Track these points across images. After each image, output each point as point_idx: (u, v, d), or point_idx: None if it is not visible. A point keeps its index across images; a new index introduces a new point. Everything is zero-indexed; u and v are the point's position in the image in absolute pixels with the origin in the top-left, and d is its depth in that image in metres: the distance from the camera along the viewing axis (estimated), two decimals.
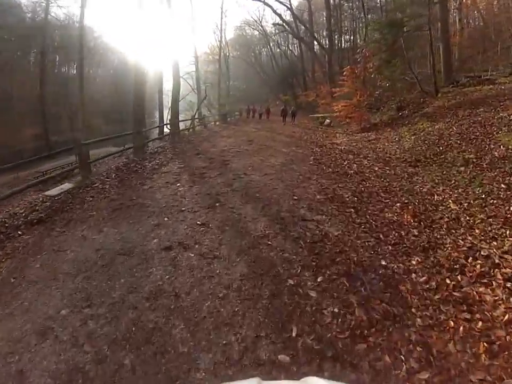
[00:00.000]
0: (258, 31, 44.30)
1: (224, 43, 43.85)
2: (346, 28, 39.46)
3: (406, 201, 5.33)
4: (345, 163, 7.78)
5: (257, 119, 25.59)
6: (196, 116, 19.44)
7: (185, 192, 5.57)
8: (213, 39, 53.15)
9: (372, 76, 13.45)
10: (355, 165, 7.62)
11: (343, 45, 38.99)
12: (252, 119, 26.32)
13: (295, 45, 46.83)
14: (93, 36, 45.48)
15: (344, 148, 9.89)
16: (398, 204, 5.20)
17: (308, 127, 18.99)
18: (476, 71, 15.55)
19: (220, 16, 54.77)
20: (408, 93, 14.45)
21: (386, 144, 9.87)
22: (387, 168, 7.39)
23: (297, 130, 15.85)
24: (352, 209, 4.79)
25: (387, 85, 13.44)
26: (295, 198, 5.03)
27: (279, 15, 33.88)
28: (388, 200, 5.36)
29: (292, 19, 35.46)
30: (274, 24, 33.34)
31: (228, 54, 45.22)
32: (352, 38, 39.64)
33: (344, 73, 13.63)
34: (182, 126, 18.05)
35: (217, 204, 4.81)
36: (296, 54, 44.52)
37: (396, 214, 4.82)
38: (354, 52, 30.87)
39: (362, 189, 5.82)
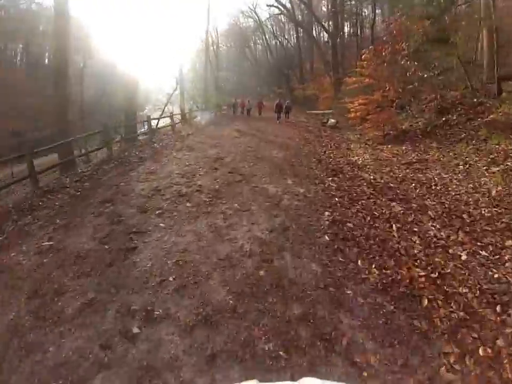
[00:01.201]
0: (252, 18, 40.16)
1: (214, 32, 40.14)
2: (349, 14, 34.90)
3: None
4: (394, 233, 3.78)
5: (246, 115, 21.32)
6: (170, 113, 15.21)
7: None
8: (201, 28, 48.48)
9: (402, 62, 9.32)
10: (417, 239, 3.63)
11: (346, 34, 34.65)
12: (240, 115, 22.02)
13: (292, 35, 42.67)
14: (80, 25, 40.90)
15: (374, 179, 5.88)
16: None
17: (307, 128, 14.90)
18: None
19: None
20: (448, 89, 10.40)
21: (444, 175, 5.89)
22: (484, 252, 3.44)
23: (294, 135, 11.76)
24: None
25: (424, 76, 9.42)
26: None
27: None
28: None
29: (289, 2, 31.02)
30: (268, 6, 28.78)
31: (217, 42, 41.08)
32: (350, 27, 35.36)
33: (364, 56, 9.52)
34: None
35: None
36: (292, 44, 40.90)
37: None
38: (362, 41, 26.72)
39: None
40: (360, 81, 9.68)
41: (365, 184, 5.60)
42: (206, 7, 32.82)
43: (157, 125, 13.90)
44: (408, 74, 10.10)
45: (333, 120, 15.25)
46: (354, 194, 4.94)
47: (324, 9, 39.10)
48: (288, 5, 30.29)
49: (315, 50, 32.87)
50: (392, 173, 6.41)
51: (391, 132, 10.17)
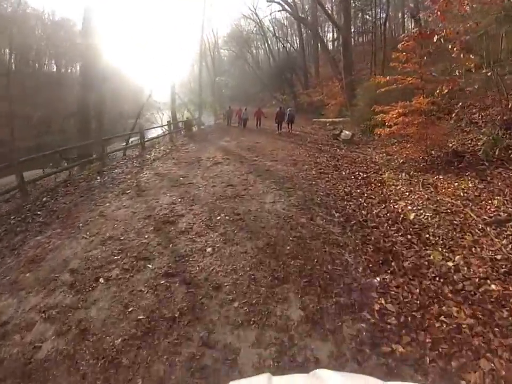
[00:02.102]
0: (253, 20, 38.07)
1: (214, 35, 38.36)
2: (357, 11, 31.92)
3: None
4: None
5: (242, 127, 18.54)
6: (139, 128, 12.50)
7: None
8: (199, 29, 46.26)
9: (454, 54, 6.42)
10: None
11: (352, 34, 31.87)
12: (236, 126, 19.25)
13: (295, 40, 40.53)
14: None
15: (457, 273, 2.98)
16: None
17: (316, 143, 12.07)
18: None
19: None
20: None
21: None
22: None
23: (300, 157, 8.91)
24: None
25: (488, 74, 6.55)
26: None
27: None
28: None
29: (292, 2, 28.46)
30: (269, 1, 26.08)
31: (216, 45, 39.02)
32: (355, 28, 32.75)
33: (402, 44, 6.55)
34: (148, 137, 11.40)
35: None
36: (295, 47, 39.08)
37: None
38: (374, 41, 23.86)
39: None
40: (397, 81, 6.71)
41: (448, 293, 2.70)
42: (202, 6, 30.23)
43: (127, 143, 11.25)
44: (458, 72, 7.21)
45: (347, 132, 12.36)
46: (442, 352, 2.05)
47: (329, 11, 36.60)
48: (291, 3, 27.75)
49: (320, 52, 30.16)
50: (479, 247, 3.51)
51: (433, 152, 7.29)
